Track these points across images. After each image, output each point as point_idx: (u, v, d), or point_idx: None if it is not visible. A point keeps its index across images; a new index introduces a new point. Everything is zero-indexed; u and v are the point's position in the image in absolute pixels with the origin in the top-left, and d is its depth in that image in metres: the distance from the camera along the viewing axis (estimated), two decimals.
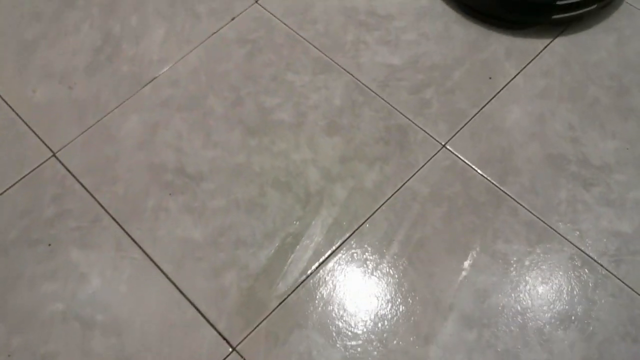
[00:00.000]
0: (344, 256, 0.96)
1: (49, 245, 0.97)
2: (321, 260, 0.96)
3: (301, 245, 0.97)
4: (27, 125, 1.09)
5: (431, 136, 1.06)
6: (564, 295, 0.92)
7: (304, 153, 1.05)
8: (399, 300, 0.93)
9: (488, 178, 1.02)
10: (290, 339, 0.90)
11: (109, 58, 1.16)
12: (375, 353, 0.89)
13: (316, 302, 0.93)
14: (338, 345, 0.89)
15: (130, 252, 0.97)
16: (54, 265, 0.96)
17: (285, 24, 1.19)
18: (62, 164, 1.05)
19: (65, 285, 0.94)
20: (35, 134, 1.08)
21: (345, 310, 0.92)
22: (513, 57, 1.14)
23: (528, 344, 0.89)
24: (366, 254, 0.96)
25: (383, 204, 1.00)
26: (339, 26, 1.18)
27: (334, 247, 0.97)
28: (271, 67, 1.14)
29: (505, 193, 1.01)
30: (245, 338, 0.90)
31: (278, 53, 1.15)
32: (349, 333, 0.90)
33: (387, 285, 0.94)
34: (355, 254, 0.96)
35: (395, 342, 0.89)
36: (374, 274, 0.95)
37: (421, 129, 1.07)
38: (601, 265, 0.94)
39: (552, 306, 0.91)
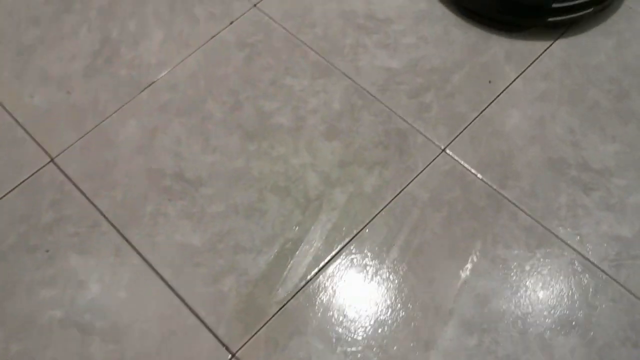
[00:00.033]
0: (343, 261, 0.96)
1: (47, 251, 0.97)
2: (321, 265, 0.96)
3: (300, 251, 0.97)
4: (24, 130, 1.08)
5: (431, 140, 1.06)
6: (565, 300, 0.92)
7: (303, 157, 1.05)
8: (399, 305, 0.92)
9: (488, 182, 1.02)
10: (290, 344, 0.90)
11: (107, 62, 1.15)
12: (376, 359, 0.88)
13: (316, 307, 0.92)
14: (338, 351, 0.89)
15: (129, 258, 0.97)
16: (52, 271, 0.96)
17: (284, 27, 1.18)
18: (61, 170, 1.04)
19: (64, 291, 0.94)
20: (33, 139, 1.07)
21: (345, 316, 0.92)
22: (513, 60, 1.14)
23: (529, 349, 0.89)
24: (366, 259, 0.96)
25: (382, 209, 1.00)
26: (338, 30, 1.18)
27: (333, 253, 0.97)
28: (270, 71, 1.13)
29: (505, 197, 1.00)
30: (244, 344, 0.90)
31: (277, 57, 1.15)
32: (349, 339, 0.90)
33: (387, 290, 0.93)
34: (354, 260, 0.96)
35: (395, 348, 0.89)
36: (374, 279, 0.94)
37: (421, 133, 1.07)
38: (601, 270, 0.94)
39: (552, 311, 0.91)
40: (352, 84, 1.12)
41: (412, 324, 0.91)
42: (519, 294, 0.93)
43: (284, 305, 0.93)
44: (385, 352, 0.89)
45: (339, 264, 0.96)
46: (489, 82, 1.12)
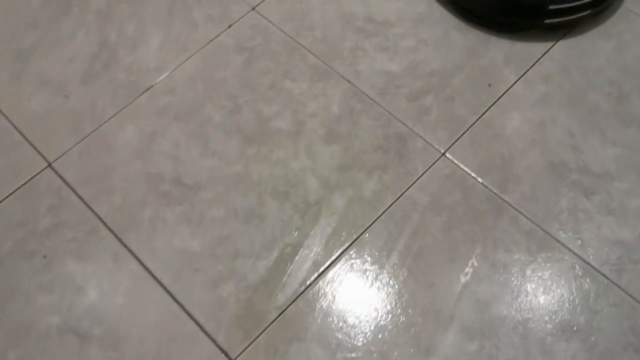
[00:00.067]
0: (343, 266, 0.95)
1: (45, 257, 0.96)
2: (320, 270, 0.95)
3: (300, 256, 0.96)
4: (22, 134, 1.08)
5: (430, 144, 1.05)
6: (566, 305, 0.91)
7: (302, 162, 1.04)
8: (399, 311, 0.92)
9: (488, 186, 1.01)
10: (289, 351, 0.89)
11: (105, 66, 1.15)
12: None
13: (315, 313, 0.92)
14: (338, 357, 0.88)
15: (127, 264, 0.96)
16: (50, 277, 0.95)
17: (282, 30, 1.18)
18: (58, 174, 1.03)
19: (62, 297, 0.93)
20: (31, 143, 1.07)
21: (345, 321, 0.91)
22: (512, 63, 1.14)
23: (530, 354, 0.88)
24: (366, 264, 0.95)
25: (382, 214, 0.99)
26: (337, 33, 1.17)
27: (333, 258, 0.96)
28: (269, 74, 1.13)
29: (506, 201, 1.00)
30: (244, 350, 0.89)
31: (276, 60, 1.14)
32: (349, 345, 0.89)
33: (387, 295, 0.93)
34: (354, 265, 0.95)
35: (395, 353, 0.89)
36: (374, 284, 0.94)
37: (420, 136, 1.06)
38: (603, 275, 0.94)
39: (553, 316, 0.91)
40: (351, 88, 1.11)
41: (413, 329, 0.90)
42: (519, 299, 0.92)
43: (283, 311, 0.92)
44: (386, 358, 0.88)
45: (339, 269, 0.95)
46: (489, 85, 1.11)
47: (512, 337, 0.89)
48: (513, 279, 0.94)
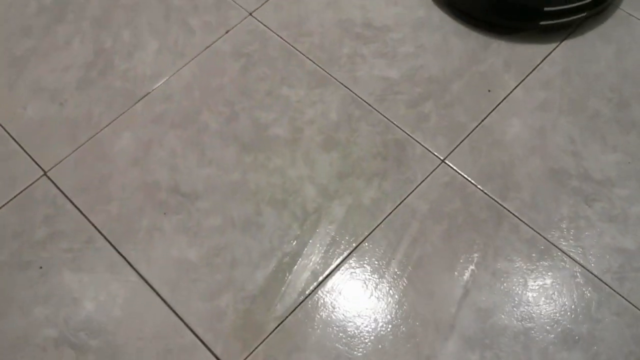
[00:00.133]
0: (342, 276, 0.94)
1: (41, 267, 0.95)
2: (319, 280, 0.94)
3: (299, 265, 0.95)
4: (17, 143, 1.06)
5: (430, 151, 1.04)
6: (568, 314, 0.91)
7: (300, 169, 1.03)
8: (399, 320, 0.91)
9: (488, 194, 1.00)
10: None
11: (101, 73, 1.14)
12: None
13: (315, 323, 0.91)
14: None
15: (124, 274, 0.95)
16: (46, 288, 0.94)
17: (280, 36, 1.17)
18: (54, 183, 1.02)
19: (58, 309, 0.92)
20: (26, 152, 1.05)
21: (344, 331, 0.90)
22: (512, 68, 1.13)
23: None
24: (365, 273, 0.94)
25: (382, 222, 0.98)
26: (335, 39, 1.16)
27: (332, 267, 0.95)
28: (266, 81, 1.12)
29: (506, 209, 0.99)
30: None
31: (273, 67, 1.13)
32: (349, 356, 0.88)
33: (387, 305, 0.92)
34: (354, 274, 0.95)
35: None
36: (374, 294, 0.93)
37: (419, 143, 1.05)
38: (604, 283, 0.93)
39: (555, 325, 0.90)
40: (349, 94, 1.10)
41: (413, 339, 0.89)
42: (521, 308, 0.91)
43: (282, 322, 0.91)
44: None
45: (338, 278, 0.94)
46: (489, 91, 1.10)
47: (513, 347, 0.88)
48: (514, 287, 0.93)
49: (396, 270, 0.94)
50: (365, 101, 1.09)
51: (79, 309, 0.92)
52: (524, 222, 0.98)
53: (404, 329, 0.90)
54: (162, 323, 0.91)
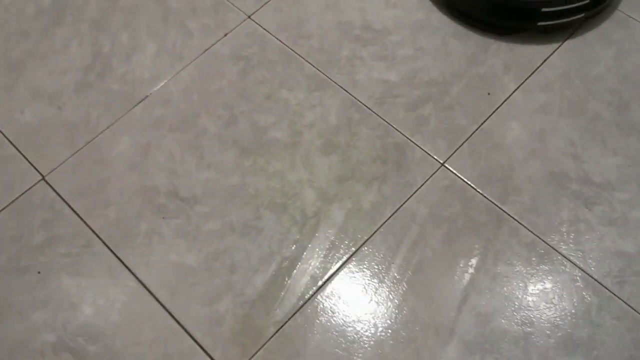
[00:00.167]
0: (342, 280, 0.94)
1: (39, 272, 0.95)
2: (319, 284, 0.94)
3: (298, 270, 0.95)
4: (15, 147, 1.06)
5: (429, 154, 1.04)
6: (568, 319, 0.90)
7: (299, 173, 1.03)
8: (399, 325, 0.90)
9: (488, 197, 1.00)
10: None
11: (99, 76, 1.13)
12: None
13: (314, 328, 0.90)
14: None
15: (123, 279, 0.94)
16: (44, 293, 0.93)
17: (279, 39, 1.17)
18: (52, 188, 1.02)
19: (56, 314, 0.92)
20: (24, 156, 1.05)
21: (344, 336, 0.90)
22: (512, 71, 1.12)
23: None
24: (365, 277, 0.94)
25: (381, 226, 0.98)
26: (334, 41, 1.16)
27: (331, 271, 0.95)
28: (265, 84, 1.11)
29: (506, 213, 0.99)
30: None
31: (272, 70, 1.13)
32: None
33: (386, 310, 0.92)
34: (353, 278, 0.94)
35: None
36: (373, 298, 0.92)
37: (419, 147, 1.05)
38: (605, 287, 0.92)
39: (555, 330, 0.89)
40: (348, 97, 1.10)
41: (413, 344, 0.89)
42: (521, 312, 0.91)
43: (281, 327, 0.91)
44: None
45: (338, 283, 0.94)
46: (488, 94, 1.10)
47: (513, 352, 0.88)
48: (514, 291, 0.93)
49: (396, 274, 0.94)
50: (364, 104, 1.09)
51: (77, 314, 0.92)
52: (523, 225, 0.98)
53: (403, 333, 0.90)
54: (160, 328, 0.91)
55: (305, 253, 0.96)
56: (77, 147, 1.06)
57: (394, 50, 1.15)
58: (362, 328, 0.90)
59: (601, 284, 0.93)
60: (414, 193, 1.01)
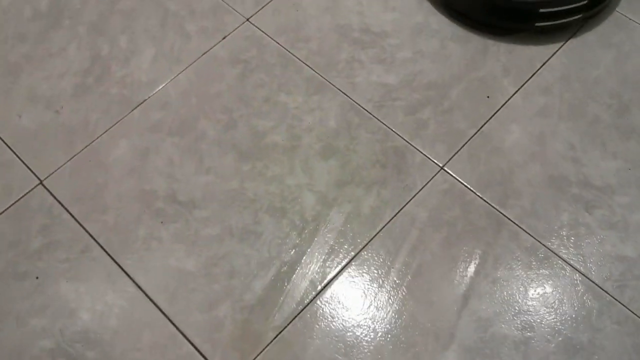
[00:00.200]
0: (341, 285, 0.94)
1: (37, 278, 0.94)
2: (318, 289, 0.93)
3: (297, 274, 0.94)
4: (12, 151, 1.05)
5: (429, 158, 1.04)
6: (568, 323, 0.90)
7: (298, 177, 1.02)
8: (399, 330, 0.90)
9: (488, 201, 1.00)
10: None
11: (97, 80, 1.13)
12: None
13: (314, 333, 0.90)
14: None
15: (121, 284, 0.94)
16: (42, 299, 0.93)
17: (277, 42, 1.16)
18: (50, 192, 1.01)
19: (54, 320, 0.91)
20: (22, 160, 1.05)
21: (343, 341, 0.89)
22: (511, 74, 1.12)
23: None
24: (364, 282, 0.94)
25: (381, 230, 0.98)
26: (333, 44, 1.16)
27: (331, 276, 0.94)
28: (264, 87, 1.11)
29: (506, 217, 0.98)
30: None
31: (270, 73, 1.13)
32: None
33: (386, 315, 0.91)
34: (353, 283, 0.94)
35: None
36: (373, 303, 0.92)
37: (419, 150, 1.04)
38: (605, 291, 0.92)
39: (556, 335, 0.89)
40: (347, 101, 1.10)
41: (412, 349, 0.89)
42: (521, 317, 0.91)
43: (281, 332, 0.90)
44: None
45: (337, 287, 0.93)
46: (488, 97, 1.10)
47: (514, 357, 0.88)
48: (514, 296, 0.92)
49: (395, 279, 0.94)
50: (363, 108, 1.09)
51: (75, 320, 0.91)
52: (523, 229, 0.97)
53: (403, 338, 0.90)
54: (159, 334, 0.90)
55: (304, 258, 0.96)
56: (75, 151, 1.05)
57: (393, 53, 1.15)
58: (361, 333, 0.90)
59: (601, 288, 0.93)
60: (414, 197, 1.00)
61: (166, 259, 0.96)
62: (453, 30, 1.17)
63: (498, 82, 1.11)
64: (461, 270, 0.94)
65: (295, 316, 0.91)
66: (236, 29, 1.18)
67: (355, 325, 0.91)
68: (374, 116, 1.08)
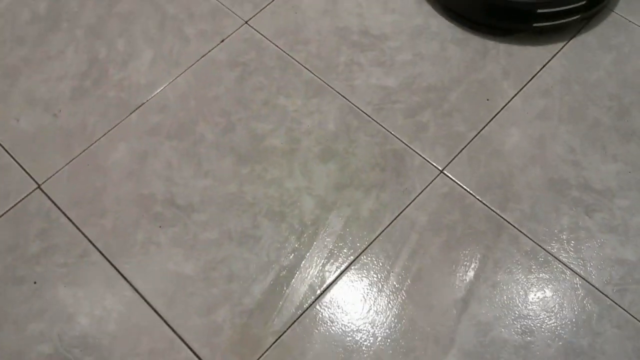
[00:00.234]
0: (341, 289, 0.93)
1: (35, 282, 0.94)
2: (318, 294, 0.93)
3: (297, 279, 0.94)
4: (10, 155, 1.05)
5: (428, 161, 1.03)
6: (569, 327, 0.90)
7: (297, 181, 1.02)
8: (398, 335, 0.90)
9: (487, 205, 0.99)
10: None
11: (96, 83, 1.12)
12: None
13: (313, 338, 0.90)
14: None
15: (119, 289, 0.94)
16: (40, 303, 0.93)
17: (276, 45, 1.16)
18: (48, 196, 1.01)
19: (52, 325, 0.91)
20: (19, 164, 1.04)
21: (343, 346, 0.89)
22: (511, 76, 1.12)
23: None
24: (364, 286, 0.93)
25: (380, 234, 0.97)
26: (332, 47, 1.15)
27: (330, 280, 0.94)
28: (262, 90, 1.11)
29: (506, 220, 0.98)
30: None
31: (269, 76, 1.12)
32: None
33: (385, 319, 0.91)
34: (352, 287, 0.93)
35: None
36: (372, 307, 0.92)
37: (418, 154, 1.04)
38: (605, 295, 0.92)
39: (556, 339, 0.89)
40: (347, 104, 1.09)
41: (412, 354, 0.88)
42: (521, 321, 0.90)
43: (280, 336, 0.90)
44: None
45: (336, 292, 0.93)
46: (487, 99, 1.09)
47: None
48: (514, 300, 0.92)
49: (395, 283, 0.93)
50: (362, 111, 1.08)
51: (73, 324, 0.91)
52: (523, 233, 0.97)
53: (403, 343, 0.89)
54: (158, 338, 0.90)
55: (303, 262, 0.95)
56: (73, 155, 1.05)
57: (392, 55, 1.14)
58: (361, 337, 0.90)
59: (602, 292, 0.92)
60: (413, 200, 1.00)
61: (165, 263, 0.95)
62: (452, 32, 1.17)
63: (498, 85, 1.11)
64: (461, 274, 0.94)
65: (295, 321, 0.91)
66: (235, 31, 1.18)
67: (355, 329, 0.90)
68: (373, 119, 1.07)
